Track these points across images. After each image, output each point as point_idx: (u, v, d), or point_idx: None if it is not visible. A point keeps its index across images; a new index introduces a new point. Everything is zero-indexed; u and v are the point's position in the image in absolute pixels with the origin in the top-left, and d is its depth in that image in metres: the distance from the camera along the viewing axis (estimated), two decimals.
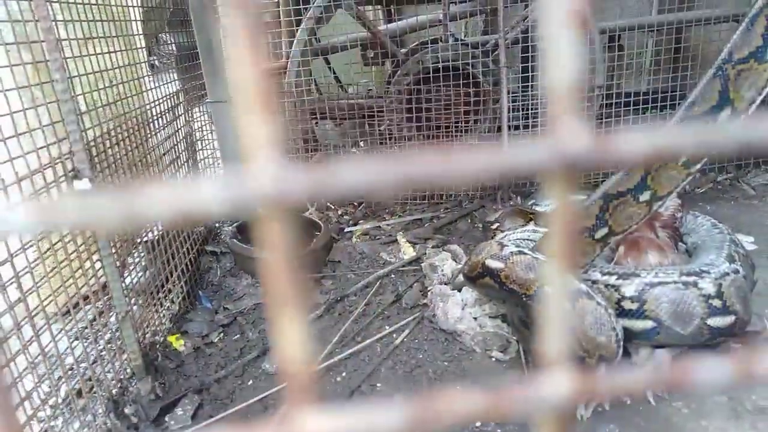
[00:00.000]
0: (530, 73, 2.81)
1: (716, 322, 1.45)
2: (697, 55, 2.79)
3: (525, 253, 1.52)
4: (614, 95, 2.83)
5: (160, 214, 0.16)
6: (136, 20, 2.11)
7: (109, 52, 1.72)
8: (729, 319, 1.46)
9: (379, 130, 2.91)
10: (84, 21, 1.60)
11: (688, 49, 2.85)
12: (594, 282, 1.55)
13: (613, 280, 1.51)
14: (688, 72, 2.77)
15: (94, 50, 1.63)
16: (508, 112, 2.73)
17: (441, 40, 2.83)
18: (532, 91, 2.85)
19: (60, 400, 1.36)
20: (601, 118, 2.81)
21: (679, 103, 1.54)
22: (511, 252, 1.54)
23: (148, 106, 2.04)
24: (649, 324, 1.45)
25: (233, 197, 0.16)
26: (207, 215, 0.16)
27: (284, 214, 0.17)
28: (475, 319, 1.91)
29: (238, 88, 0.16)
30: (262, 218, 0.17)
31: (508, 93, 2.74)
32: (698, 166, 1.36)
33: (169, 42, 3.25)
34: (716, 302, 1.44)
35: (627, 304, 1.47)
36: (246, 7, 0.15)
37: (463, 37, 3.09)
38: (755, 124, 0.15)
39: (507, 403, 0.17)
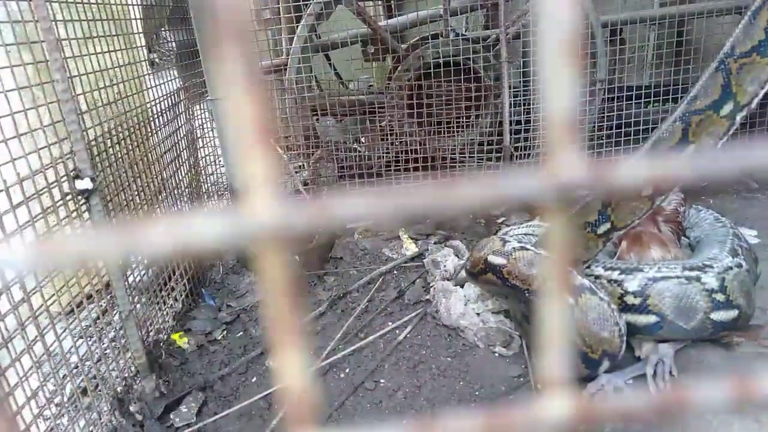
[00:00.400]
0: (531, 68, 2.80)
1: (719, 316, 1.45)
2: (699, 48, 2.78)
3: (527, 249, 1.52)
4: (616, 89, 2.82)
5: (160, 250, 0.16)
6: (136, 18, 2.11)
7: (109, 51, 1.72)
8: (732, 314, 1.46)
9: (380, 126, 2.90)
10: (84, 20, 1.60)
11: (690, 42, 2.84)
12: (597, 277, 1.55)
13: (615, 275, 1.51)
14: (690, 65, 2.76)
15: (94, 49, 1.63)
16: (510, 107, 2.73)
17: (442, 36, 2.82)
18: (533, 86, 2.85)
19: (65, 399, 1.36)
20: (603, 113, 2.80)
21: (681, 97, 1.53)
22: (514, 248, 1.54)
23: (148, 105, 2.03)
24: (652, 319, 1.45)
25: (232, 233, 0.16)
26: (205, 250, 0.16)
27: (282, 248, 0.17)
28: (478, 314, 1.91)
29: (237, 129, 0.16)
30: (261, 253, 0.17)
31: (510, 88, 2.73)
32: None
33: (169, 39, 3.24)
34: (719, 296, 1.44)
35: (630, 299, 1.47)
36: (243, 55, 0.15)
37: (464, 32, 3.08)
38: (754, 151, 0.15)
39: (507, 426, 0.17)
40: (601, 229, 1.51)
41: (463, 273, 1.95)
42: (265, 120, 0.16)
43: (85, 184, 1.42)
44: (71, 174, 1.42)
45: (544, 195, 0.15)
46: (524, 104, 2.85)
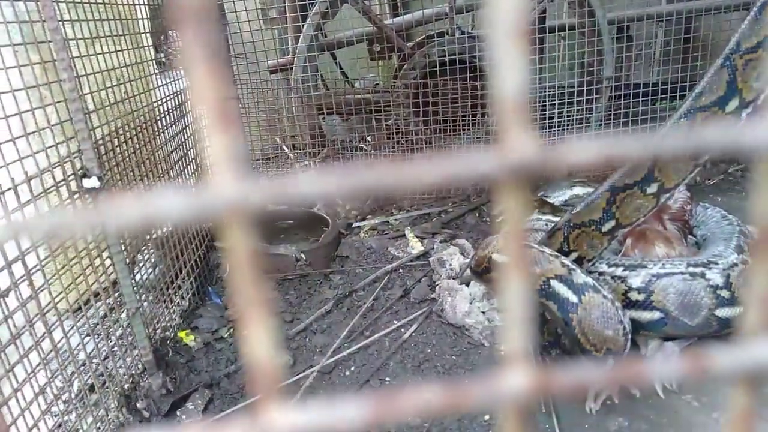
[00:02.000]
0: (537, 66, 2.79)
1: (724, 312, 1.44)
2: (707, 44, 2.76)
3: (531, 247, 1.51)
4: (623, 86, 2.81)
5: (128, 222, 0.16)
6: (142, 18, 2.13)
7: (116, 51, 1.74)
8: (737, 311, 1.45)
9: (386, 124, 2.91)
10: (91, 20, 1.61)
11: (698, 39, 2.82)
12: (601, 274, 1.55)
13: (619, 271, 1.51)
14: (698, 62, 2.74)
15: (101, 49, 1.64)
16: None
17: (447, 34, 2.82)
18: (539, 83, 2.84)
19: (73, 395, 1.38)
20: (610, 110, 2.79)
21: (688, 94, 1.52)
22: None
23: (155, 104, 2.05)
24: (656, 315, 1.45)
25: (195, 208, 0.17)
26: (171, 221, 0.16)
27: (247, 221, 0.17)
28: (483, 313, 1.91)
29: (203, 109, 0.16)
30: (226, 226, 0.17)
31: None
32: (705, 158, 1.34)
33: (177, 39, 3.26)
34: (724, 293, 1.43)
35: (634, 295, 1.47)
36: (204, 33, 0.15)
37: (470, 30, 3.08)
38: (703, 129, 0.16)
39: (466, 398, 0.17)
40: (606, 227, 1.51)
41: (469, 271, 1.95)
42: (226, 98, 0.16)
43: (92, 182, 1.43)
44: (78, 173, 1.43)
45: (496, 174, 0.16)
46: (530, 102, 2.84)
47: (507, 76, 0.16)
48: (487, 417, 1.52)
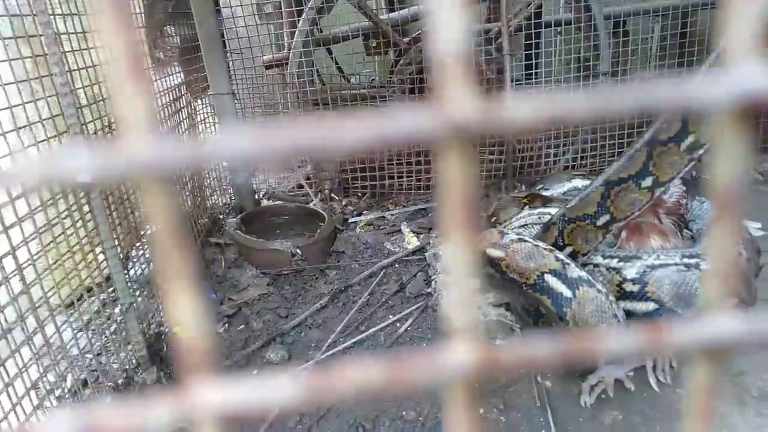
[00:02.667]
0: (534, 61, 2.78)
1: None
2: (704, 39, 2.76)
3: (525, 241, 1.51)
4: (620, 81, 2.80)
5: (30, 182, 0.16)
6: (136, 13, 2.11)
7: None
8: (731, 302, 1.45)
9: None
10: (83, 14, 1.60)
11: (695, 34, 2.82)
12: (596, 266, 1.54)
13: (614, 263, 1.50)
14: (694, 57, 2.73)
15: (94, 43, 1.63)
16: None
17: None
18: (536, 78, 2.83)
19: (66, 390, 1.37)
20: None
21: None
22: (512, 240, 1.53)
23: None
24: (651, 306, 1.44)
25: (105, 169, 0.16)
26: (77, 183, 0.16)
27: (164, 184, 0.16)
28: (479, 307, 1.91)
29: (110, 59, 0.16)
30: (144, 190, 0.17)
31: (512, 81, 2.72)
32: (700, 152, 1.34)
33: (173, 34, 3.25)
34: None
35: (628, 286, 1.47)
36: None
37: None
38: (649, 87, 0.15)
39: (408, 374, 0.16)
40: (601, 221, 1.51)
41: None
42: (137, 52, 0.16)
43: (84, 177, 1.42)
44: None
45: (434, 133, 0.15)
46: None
47: (445, 29, 0.15)
48: (481, 411, 1.52)
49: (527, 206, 2.13)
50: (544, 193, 2.34)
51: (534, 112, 0.15)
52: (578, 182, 2.35)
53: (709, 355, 0.18)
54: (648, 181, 1.44)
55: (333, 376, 0.16)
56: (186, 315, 0.17)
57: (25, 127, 1.29)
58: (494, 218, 2.36)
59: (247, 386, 0.17)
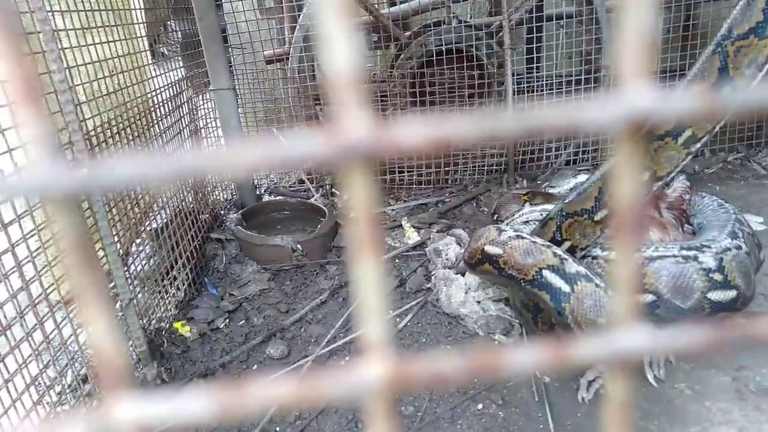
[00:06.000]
0: (535, 55, 2.77)
1: (717, 296, 1.44)
2: (708, 32, 2.73)
3: (523, 238, 1.51)
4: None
5: None
6: (137, 9, 2.12)
7: (108, 42, 1.73)
8: (730, 294, 1.44)
9: (384, 114, 2.89)
10: (82, 11, 1.60)
11: (698, 27, 2.79)
12: (594, 258, 1.54)
13: (613, 255, 1.50)
14: (697, 50, 2.71)
15: (93, 40, 1.63)
16: (513, 95, 2.70)
17: (444, 23, 2.80)
18: (537, 72, 2.82)
19: (66, 386, 1.38)
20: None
21: (679, 81, 1.51)
22: (510, 236, 1.53)
23: (149, 95, 2.04)
24: (648, 297, 1.44)
25: (11, 189, 0.16)
26: None
27: (65, 207, 0.17)
28: (479, 302, 1.91)
29: (7, 87, 0.16)
30: (48, 212, 0.17)
31: (513, 75, 2.71)
32: (698, 146, 1.33)
33: (175, 29, 3.25)
34: (717, 276, 1.42)
35: None
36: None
37: (467, 19, 3.05)
38: (532, 112, 0.15)
39: (320, 391, 0.17)
40: (599, 216, 1.50)
41: (462, 263, 1.95)
42: (29, 79, 0.16)
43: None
44: (69, 164, 1.43)
45: (328, 157, 0.15)
46: (528, 91, 2.83)
47: (336, 53, 0.15)
48: (480, 406, 1.52)
49: (528, 203, 2.13)
50: (550, 191, 2.34)
51: (423, 134, 0.15)
52: (583, 177, 2.34)
53: (624, 370, 0.18)
54: (645, 176, 1.43)
55: (246, 393, 0.16)
56: (99, 333, 0.18)
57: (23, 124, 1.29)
58: (496, 215, 2.36)
59: (161, 402, 0.17)
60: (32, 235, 1.29)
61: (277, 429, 1.51)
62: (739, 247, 1.54)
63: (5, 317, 1.17)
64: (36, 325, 1.25)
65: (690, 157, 1.35)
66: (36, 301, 1.25)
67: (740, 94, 0.15)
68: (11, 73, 0.16)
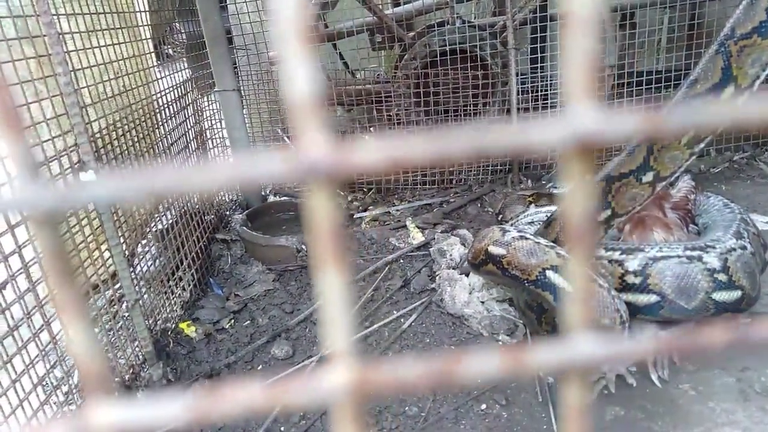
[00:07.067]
0: (539, 54, 2.77)
1: (722, 296, 1.44)
2: (713, 31, 2.72)
3: (527, 239, 1.51)
4: (626, 74, 2.78)
5: None
6: (142, 11, 2.13)
7: (113, 44, 1.74)
8: (735, 294, 1.44)
9: (388, 114, 2.90)
10: (87, 14, 1.62)
11: (703, 26, 2.78)
12: (598, 258, 1.54)
13: (617, 255, 1.50)
14: (703, 49, 2.70)
15: (98, 42, 1.65)
16: (518, 95, 2.70)
17: (448, 23, 2.80)
18: (541, 72, 2.81)
19: (73, 387, 1.40)
20: (613, 99, 2.77)
21: (683, 81, 1.51)
22: (513, 237, 1.53)
23: (154, 97, 2.06)
24: (653, 298, 1.44)
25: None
26: None
27: (43, 224, 0.17)
28: (483, 303, 1.91)
29: None
30: (32, 227, 0.17)
31: (517, 75, 2.71)
32: (702, 146, 1.33)
33: (180, 31, 3.27)
34: (721, 276, 1.42)
35: (630, 278, 1.46)
36: None
37: (471, 19, 3.05)
38: (483, 132, 0.16)
39: (287, 396, 0.17)
40: (602, 216, 1.50)
41: (466, 264, 1.95)
42: (5, 101, 0.16)
43: (89, 176, 1.44)
44: (75, 166, 1.45)
45: (288, 176, 0.16)
46: (532, 91, 2.83)
47: (297, 76, 0.16)
48: (483, 406, 1.53)
49: (533, 204, 2.13)
50: (555, 192, 2.34)
51: (379, 155, 0.16)
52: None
53: (580, 377, 0.18)
54: (649, 176, 1.43)
55: (217, 398, 0.17)
56: (78, 342, 0.18)
57: (29, 127, 1.31)
58: (500, 216, 2.37)
59: (138, 406, 0.18)
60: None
61: (282, 429, 1.52)
62: (744, 248, 1.53)
63: (12, 318, 1.19)
64: (43, 325, 1.27)
65: (694, 157, 1.35)
66: (43, 302, 1.26)
67: (681, 114, 0.15)
68: None
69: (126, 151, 1.74)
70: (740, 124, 0.15)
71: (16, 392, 1.18)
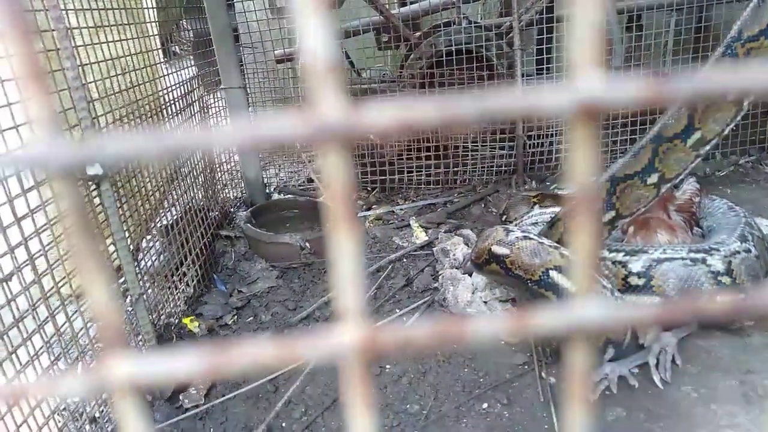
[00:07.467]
0: (545, 56, 2.77)
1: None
2: (720, 34, 2.72)
3: (530, 239, 1.51)
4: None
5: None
6: (149, 8, 2.14)
7: (120, 40, 1.75)
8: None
9: None
10: (95, 9, 1.62)
11: (710, 28, 2.78)
12: (602, 259, 1.54)
13: (620, 256, 1.50)
14: (709, 52, 2.69)
15: (105, 38, 1.66)
16: None
17: (454, 23, 2.80)
18: (547, 73, 2.81)
19: None
20: None
21: None
22: (517, 237, 1.53)
23: (161, 93, 2.07)
24: (655, 300, 1.44)
25: (11, 161, 0.17)
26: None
27: (67, 181, 0.18)
28: (485, 303, 1.91)
29: (17, 68, 0.17)
30: (56, 187, 0.18)
31: (523, 76, 2.71)
32: (707, 148, 1.33)
33: (187, 28, 3.28)
34: (725, 279, 1.42)
35: (634, 280, 1.46)
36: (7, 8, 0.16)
37: (478, 20, 3.06)
38: (493, 97, 0.16)
39: (296, 352, 0.18)
40: (606, 217, 1.50)
41: (469, 264, 1.95)
42: (32, 54, 0.17)
43: (95, 170, 1.45)
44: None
45: (307, 136, 0.16)
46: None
47: (314, 40, 0.16)
48: (485, 405, 1.53)
49: (537, 205, 2.13)
50: (559, 192, 2.34)
51: (390, 118, 0.16)
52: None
53: (582, 342, 0.19)
54: (654, 178, 1.43)
55: (232, 353, 0.18)
56: (99, 297, 0.19)
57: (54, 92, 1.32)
58: (504, 216, 2.37)
59: (155, 359, 0.18)
60: (44, 230, 1.31)
61: (283, 425, 1.52)
62: (748, 251, 1.53)
63: (18, 309, 1.19)
64: (47, 317, 1.28)
65: (699, 159, 1.35)
66: (48, 294, 1.27)
67: (689, 83, 0.16)
68: (18, 49, 0.17)
69: None
70: (742, 92, 0.15)
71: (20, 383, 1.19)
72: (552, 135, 2.88)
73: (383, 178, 2.95)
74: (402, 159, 2.92)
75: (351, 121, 0.16)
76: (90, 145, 0.17)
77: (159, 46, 2.24)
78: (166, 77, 2.15)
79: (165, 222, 2.02)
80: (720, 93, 0.15)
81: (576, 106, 0.16)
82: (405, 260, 2.30)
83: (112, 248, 1.56)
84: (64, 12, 1.37)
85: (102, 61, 1.62)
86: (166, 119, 2.08)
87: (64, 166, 0.17)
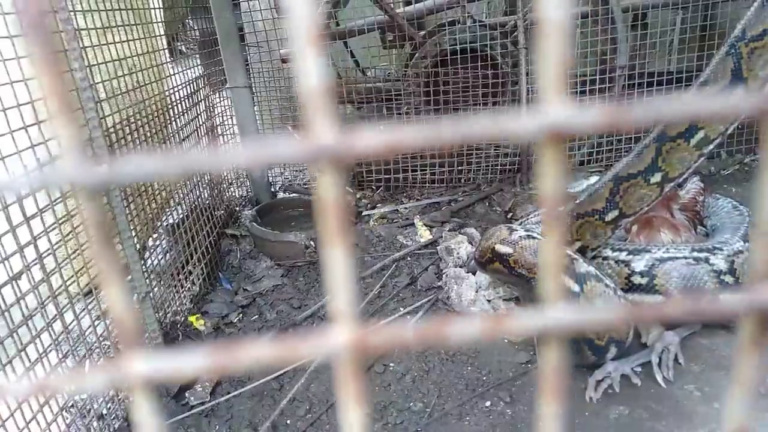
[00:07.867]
0: None
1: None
2: (725, 32, 2.71)
3: (534, 237, 1.52)
4: (637, 75, 2.77)
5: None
6: (155, 8, 2.16)
7: (128, 41, 1.77)
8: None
9: (398, 113, 2.91)
10: (103, 10, 1.64)
11: (716, 27, 2.77)
12: (605, 258, 1.55)
13: (623, 255, 1.51)
14: (715, 50, 2.69)
15: (113, 39, 1.67)
16: (527, 94, 2.71)
17: (459, 22, 2.81)
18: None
19: None
20: (624, 99, 2.76)
21: (693, 82, 1.51)
22: (520, 236, 1.54)
23: (167, 93, 2.08)
24: (658, 299, 1.45)
25: (42, 183, 0.19)
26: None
27: (90, 195, 0.19)
28: (489, 301, 1.92)
29: (47, 99, 0.18)
30: (79, 203, 0.19)
31: (527, 75, 2.71)
32: (711, 147, 1.33)
33: (193, 28, 3.30)
34: (728, 278, 1.42)
35: (637, 279, 1.47)
36: (40, 39, 0.17)
37: (482, 18, 3.06)
38: (466, 123, 0.17)
39: (295, 352, 0.19)
40: (609, 217, 1.51)
41: (473, 262, 1.96)
42: (62, 91, 0.18)
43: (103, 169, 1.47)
44: (92, 162, 1.47)
45: (304, 157, 0.18)
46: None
47: (309, 72, 0.18)
48: (488, 403, 1.54)
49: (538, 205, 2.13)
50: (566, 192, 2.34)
51: (379, 141, 0.17)
52: (595, 179, 2.34)
53: (551, 340, 0.20)
54: (657, 177, 1.44)
55: (236, 352, 0.19)
56: (118, 303, 0.20)
57: (45, 121, 1.33)
58: (510, 214, 2.37)
59: (167, 359, 0.19)
60: (53, 229, 1.33)
61: (288, 422, 1.54)
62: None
63: (27, 307, 1.21)
64: (56, 315, 1.29)
65: (702, 158, 1.35)
66: (57, 293, 1.29)
67: (643, 112, 0.17)
68: (51, 88, 0.18)
69: (139, 146, 1.76)
70: (699, 119, 0.16)
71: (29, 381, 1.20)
72: None
73: (388, 176, 2.97)
74: (406, 158, 2.93)
75: (343, 145, 0.17)
76: (113, 168, 0.18)
77: (165, 46, 2.26)
78: (173, 77, 2.17)
79: (171, 221, 2.04)
80: (673, 120, 0.16)
81: (544, 131, 0.17)
82: (409, 259, 2.31)
83: (119, 247, 1.58)
84: (72, 14, 1.39)
85: (109, 62, 1.64)
86: (172, 119, 2.10)
87: (88, 186, 0.19)
